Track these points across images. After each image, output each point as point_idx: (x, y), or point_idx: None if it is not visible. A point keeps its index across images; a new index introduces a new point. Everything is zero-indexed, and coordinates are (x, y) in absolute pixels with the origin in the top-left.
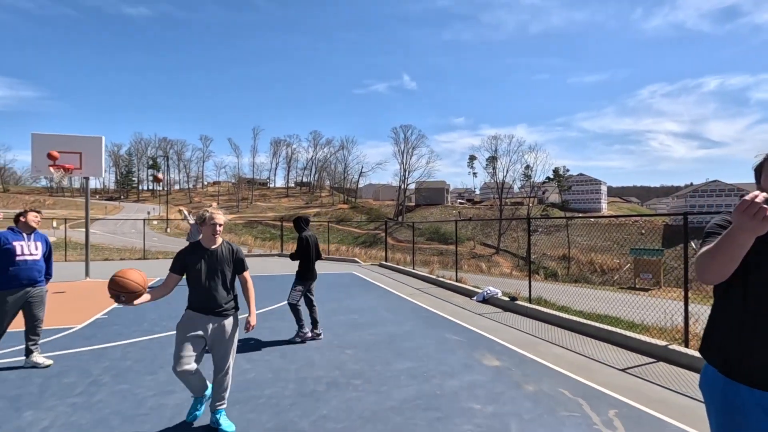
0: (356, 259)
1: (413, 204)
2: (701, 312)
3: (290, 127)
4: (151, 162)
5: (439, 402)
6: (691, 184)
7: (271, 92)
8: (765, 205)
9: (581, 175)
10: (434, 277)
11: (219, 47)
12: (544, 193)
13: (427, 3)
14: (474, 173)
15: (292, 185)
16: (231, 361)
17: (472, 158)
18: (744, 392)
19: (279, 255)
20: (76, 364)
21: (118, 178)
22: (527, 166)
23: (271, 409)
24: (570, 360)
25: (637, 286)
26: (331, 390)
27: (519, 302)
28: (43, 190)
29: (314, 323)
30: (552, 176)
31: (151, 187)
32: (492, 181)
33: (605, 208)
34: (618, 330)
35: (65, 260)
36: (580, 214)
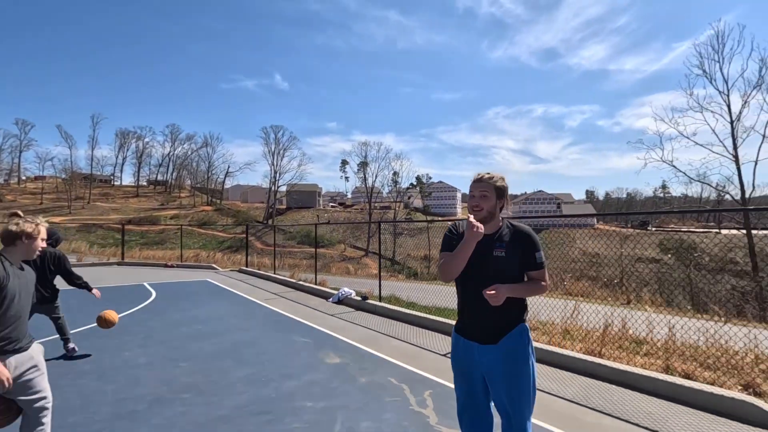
0: (214, 265)
1: (284, 207)
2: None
3: (141, 118)
4: None
5: (272, 405)
6: (525, 193)
7: (115, 76)
8: (476, 222)
9: (440, 182)
10: (294, 280)
11: (46, 10)
12: (409, 198)
13: (299, 4)
14: (346, 177)
15: (144, 183)
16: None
17: (344, 163)
18: (462, 342)
19: (119, 263)
20: None
21: None
22: (395, 173)
23: None
24: (404, 351)
25: None
26: (154, 407)
27: (370, 301)
28: None
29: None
30: (415, 183)
31: None
32: (363, 185)
33: (460, 212)
34: (446, 320)
35: None
36: (439, 218)
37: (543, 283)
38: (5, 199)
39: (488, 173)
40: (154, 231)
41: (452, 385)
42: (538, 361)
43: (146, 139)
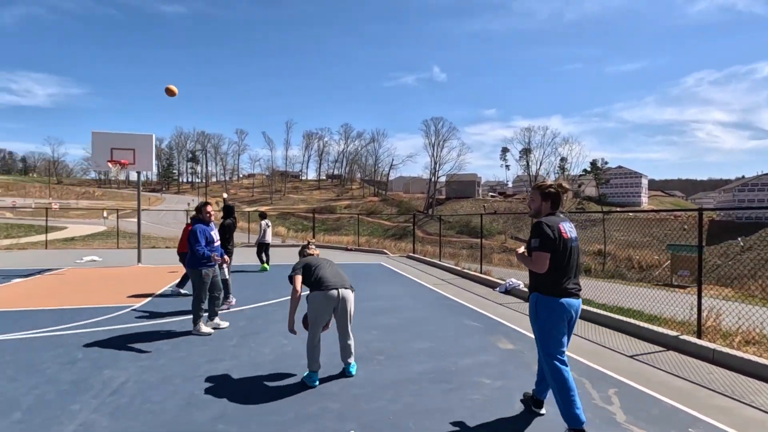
0: (385, 250)
1: (444, 197)
2: (724, 307)
3: (322, 120)
4: (190, 155)
5: (452, 376)
6: (743, 177)
7: (303, 86)
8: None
9: (620, 167)
10: (459, 268)
11: (253, 43)
12: (579, 186)
13: None
14: (506, 166)
15: (324, 177)
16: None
17: (504, 150)
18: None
19: None
20: (139, 335)
21: (160, 170)
22: (562, 159)
23: (303, 377)
24: (581, 346)
25: (674, 283)
26: (357, 363)
27: None
28: (92, 182)
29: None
30: (589, 169)
31: (190, 180)
32: (525, 173)
33: (646, 202)
34: (630, 320)
35: (117, 248)
36: (618, 208)
37: (531, 260)
38: (229, 192)
39: (543, 182)
40: (332, 219)
41: (642, 388)
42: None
43: (325, 139)
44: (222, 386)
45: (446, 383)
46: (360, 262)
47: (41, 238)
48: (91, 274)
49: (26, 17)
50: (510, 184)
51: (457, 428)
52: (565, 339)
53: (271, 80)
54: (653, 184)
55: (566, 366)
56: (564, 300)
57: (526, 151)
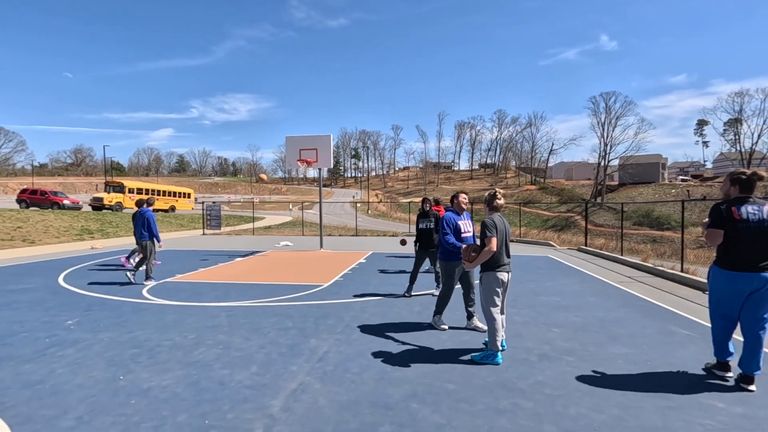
0: (551, 242)
1: (616, 183)
2: None
3: (474, 109)
4: (353, 152)
5: (669, 392)
6: None
7: (453, 76)
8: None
9: None
10: (649, 265)
11: (405, 40)
12: None
13: None
14: (704, 142)
15: (476, 167)
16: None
17: (701, 123)
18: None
19: None
20: (331, 311)
21: (329, 167)
22: None
23: (489, 368)
24: None
25: None
26: (544, 361)
27: None
28: (279, 180)
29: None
30: None
31: (353, 175)
32: (733, 150)
33: None
34: None
35: (302, 235)
36: None
37: (706, 235)
38: (387, 185)
39: (737, 169)
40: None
41: None
42: None
43: (478, 128)
44: (409, 367)
45: (663, 400)
46: (526, 254)
47: (249, 226)
48: (287, 256)
49: (232, 50)
50: (709, 165)
51: None
52: (732, 309)
53: (424, 74)
54: None
55: (726, 327)
56: (730, 272)
57: (734, 122)
